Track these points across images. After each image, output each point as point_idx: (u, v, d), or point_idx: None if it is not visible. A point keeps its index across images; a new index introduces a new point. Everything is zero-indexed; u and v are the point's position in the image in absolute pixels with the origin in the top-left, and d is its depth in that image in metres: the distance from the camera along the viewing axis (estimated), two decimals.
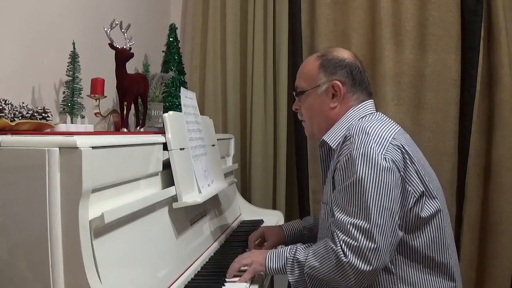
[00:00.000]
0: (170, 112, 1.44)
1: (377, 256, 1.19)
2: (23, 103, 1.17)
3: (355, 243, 1.19)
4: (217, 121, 2.54)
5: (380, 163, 1.22)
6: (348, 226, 1.21)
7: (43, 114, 1.16)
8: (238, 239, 1.77)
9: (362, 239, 1.19)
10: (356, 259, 1.19)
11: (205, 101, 2.59)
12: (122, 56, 1.49)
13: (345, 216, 1.23)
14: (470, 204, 2.34)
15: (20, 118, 1.11)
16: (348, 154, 1.26)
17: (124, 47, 1.52)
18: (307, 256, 1.28)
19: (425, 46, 2.40)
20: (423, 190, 1.28)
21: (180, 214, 1.41)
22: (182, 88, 1.63)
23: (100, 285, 0.91)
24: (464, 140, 2.37)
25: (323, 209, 1.43)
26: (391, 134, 1.30)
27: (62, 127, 1.32)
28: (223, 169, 1.96)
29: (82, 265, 0.89)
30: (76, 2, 1.77)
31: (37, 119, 1.15)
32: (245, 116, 2.63)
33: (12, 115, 1.10)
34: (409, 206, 1.27)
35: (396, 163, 1.25)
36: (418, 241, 1.29)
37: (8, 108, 1.10)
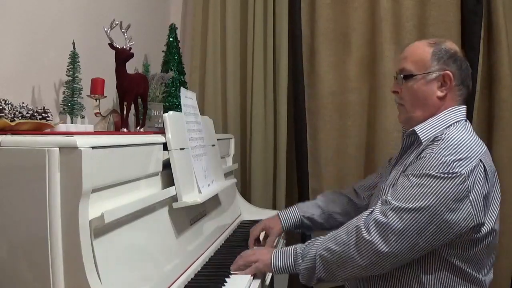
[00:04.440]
0: (170, 112, 1.44)
1: (398, 239, 1.21)
2: (23, 103, 1.16)
3: (384, 220, 1.22)
4: (217, 121, 2.54)
5: (452, 175, 1.23)
6: (388, 207, 1.24)
7: (43, 114, 1.16)
8: (238, 239, 1.77)
9: (392, 217, 1.22)
10: (376, 235, 1.22)
11: (205, 101, 2.59)
12: (122, 56, 1.49)
13: (392, 199, 1.26)
14: None
15: (20, 118, 1.11)
16: (430, 153, 1.28)
17: (124, 47, 1.52)
18: (320, 241, 1.30)
19: None
20: (483, 221, 1.27)
21: (180, 214, 1.41)
22: (182, 88, 1.63)
23: (100, 285, 0.91)
24: None
25: (383, 190, 1.42)
26: (479, 155, 1.29)
27: (62, 127, 1.32)
28: (223, 169, 1.96)
29: (82, 265, 0.89)
30: (76, 2, 1.77)
31: (37, 119, 1.15)
32: (245, 116, 2.63)
33: (12, 115, 1.10)
34: (465, 229, 1.25)
35: (469, 182, 1.24)
36: (461, 259, 1.29)
37: (8, 108, 1.10)
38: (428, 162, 1.26)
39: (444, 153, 1.26)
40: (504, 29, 2.27)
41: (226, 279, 1.32)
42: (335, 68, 2.51)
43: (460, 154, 1.26)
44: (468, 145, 1.29)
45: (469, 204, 1.24)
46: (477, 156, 1.28)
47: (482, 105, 2.35)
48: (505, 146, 2.30)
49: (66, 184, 0.90)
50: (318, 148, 2.51)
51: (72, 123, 1.45)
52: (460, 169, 1.23)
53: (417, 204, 1.22)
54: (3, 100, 1.11)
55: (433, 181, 1.23)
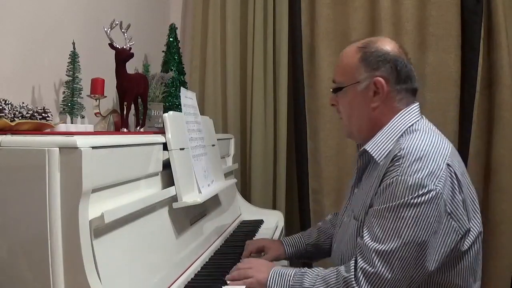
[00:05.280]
0: (170, 112, 1.44)
1: (392, 285, 1.11)
2: (23, 103, 1.17)
3: (372, 270, 1.11)
4: (217, 121, 2.54)
5: (427, 196, 1.12)
6: (371, 253, 1.13)
7: (43, 114, 1.16)
8: (238, 239, 1.76)
9: (381, 266, 1.11)
10: (367, 287, 1.12)
11: (205, 101, 2.59)
12: (122, 56, 1.49)
13: (371, 242, 1.14)
14: None
15: (20, 118, 1.11)
16: (395, 177, 1.15)
17: (124, 47, 1.52)
18: (314, 283, 1.18)
19: (425, 46, 2.41)
20: (469, 227, 1.18)
21: (180, 214, 1.41)
22: (182, 88, 1.63)
23: (100, 285, 0.91)
24: (464, 140, 2.37)
25: (353, 224, 1.29)
26: (445, 159, 1.17)
27: (62, 127, 1.32)
28: (223, 169, 1.96)
29: (82, 265, 0.89)
30: (76, 2, 1.77)
31: (37, 119, 1.15)
32: (245, 116, 2.63)
33: (12, 115, 1.10)
34: (453, 243, 1.16)
35: (444, 195, 1.14)
36: (450, 273, 1.20)
37: (8, 108, 1.10)
38: (398, 189, 1.13)
39: (410, 172, 1.14)
40: (504, 29, 2.27)
41: (225, 279, 1.32)
42: None
43: (427, 167, 1.14)
44: (432, 152, 1.17)
45: (450, 218, 1.15)
46: (444, 161, 1.17)
47: (482, 105, 2.35)
48: (505, 146, 2.30)
49: (66, 184, 0.90)
50: (318, 148, 2.51)
51: (72, 123, 1.45)
52: (433, 185, 1.13)
53: (401, 240, 1.11)
54: (3, 100, 1.11)
55: (410, 210, 1.12)
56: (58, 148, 0.90)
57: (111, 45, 1.50)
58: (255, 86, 2.57)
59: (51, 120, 1.19)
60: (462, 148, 2.37)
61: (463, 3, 2.36)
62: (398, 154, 1.18)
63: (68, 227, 0.90)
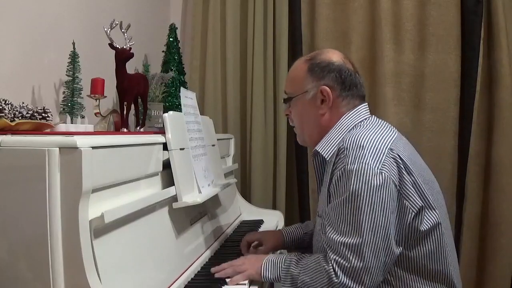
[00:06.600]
0: (170, 112, 1.44)
1: (369, 276, 1.16)
2: (23, 103, 1.17)
3: (347, 264, 1.16)
4: (217, 121, 2.54)
5: (375, 179, 1.17)
6: (339, 246, 1.18)
7: (43, 114, 1.16)
8: (238, 239, 1.76)
9: (353, 259, 1.16)
10: (348, 280, 1.16)
11: (205, 101, 2.59)
12: (122, 56, 1.49)
13: (336, 235, 1.19)
14: (470, 204, 2.34)
15: (20, 118, 1.12)
16: (342, 168, 1.21)
17: (124, 47, 1.52)
18: (299, 270, 1.25)
19: (425, 46, 2.41)
20: (421, 205, 1.23)
21: (180, 214, 1.41)
22: (182, 88, 1.63)
23: (100, 285, 0.91)
24: (464, 140, 2.37)
25: (318, 223, 1.37)
26: (387, 145, 1.24)
27: (62, 127, 1.32)
28: (223, 169, 1.96)
29: (82, 265, 0.89)
30: (76, 2, 1.77)
31: (37, 119, 1.15)
32: (245, 116, 2.63)
33: (12, 115, 1.10)
34: (408, 221, 1.22)
35: (393, 177, 1.20)
36: (417, 253, 1.24)
37: (8, 108, 1.10)
38: (347, 179, 1.19)
39: (354, 160, 1.20)
40: (504, 29, 2.27)
41: (226, 279, 1.32)
42: None
43: (370, 152, 1.20)
44: (373, 140, 1.23)
45: (401, 197, 1.21)
46: (386, 146, 1.23)
47: (482, 105, 2.35)
48: (505, 146, 2.30)
49: (66, 184, 0.90)
50: None
51: (72, 123, 1.45)
52: (377, 169, 1.18)
53: (365, 229, 1.16)
54: (3, 100, 1.11)
55: (365, 197, 1.17)
56: (58, 148, 0.90)
57: (111, 45, 1.50)
58: (255, 86, 2.57)
59: (51, 120, 1.19)
60: (462, 148, 2.38)
61: (463, 3, 2.36)
62: (342, 147, 1.25)
63: (68, 227, 0.90)
